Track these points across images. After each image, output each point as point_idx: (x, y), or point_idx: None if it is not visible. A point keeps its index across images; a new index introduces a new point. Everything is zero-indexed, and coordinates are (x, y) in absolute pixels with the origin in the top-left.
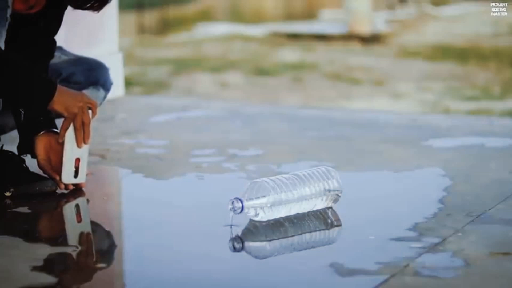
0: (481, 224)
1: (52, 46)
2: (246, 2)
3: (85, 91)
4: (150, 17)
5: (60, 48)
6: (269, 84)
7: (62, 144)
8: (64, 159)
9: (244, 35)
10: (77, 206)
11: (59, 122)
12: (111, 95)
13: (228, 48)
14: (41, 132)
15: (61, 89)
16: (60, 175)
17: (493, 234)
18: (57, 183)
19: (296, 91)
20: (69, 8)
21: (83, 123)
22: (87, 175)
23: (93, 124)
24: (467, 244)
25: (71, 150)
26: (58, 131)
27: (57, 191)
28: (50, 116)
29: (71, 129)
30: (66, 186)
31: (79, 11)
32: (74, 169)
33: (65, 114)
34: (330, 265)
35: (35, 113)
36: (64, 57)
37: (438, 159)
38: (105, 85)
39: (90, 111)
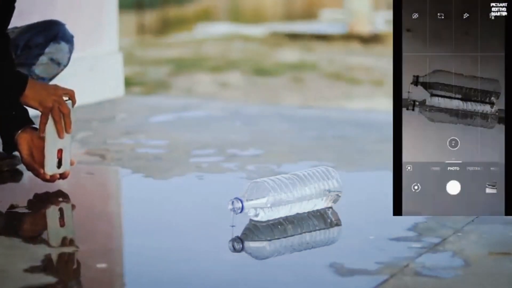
0: (481, 224)
1: (7, 41)
2: (246, 2)
3: (47, 49)
4: (150, 17)
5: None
6: (269, 84)
7: (43, 139)
8: (45, 152)
9: (244, 35)
10: (77, 206)
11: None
12: (111, 94)
13: (228, 48)
14: (20, 130)
15: (32, 82)
16: (43, 168)
17: (493, 234)
18: (42, 176)
19: (296, 91)
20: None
21: (63, 115)
22: (71, 164)
23: (93, 124)
24: (467, 244)
25: (52, 143)
26: (38, 127)
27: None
28: (25, 114)
29: (50, 122)
30: (52, 177)
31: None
32: (57, 160)
33: (40, 109)
34: (330, 265)
35: (7, 109)
36: (17, 30)
37: None
38: (65, 37)
39: (70, 101)
